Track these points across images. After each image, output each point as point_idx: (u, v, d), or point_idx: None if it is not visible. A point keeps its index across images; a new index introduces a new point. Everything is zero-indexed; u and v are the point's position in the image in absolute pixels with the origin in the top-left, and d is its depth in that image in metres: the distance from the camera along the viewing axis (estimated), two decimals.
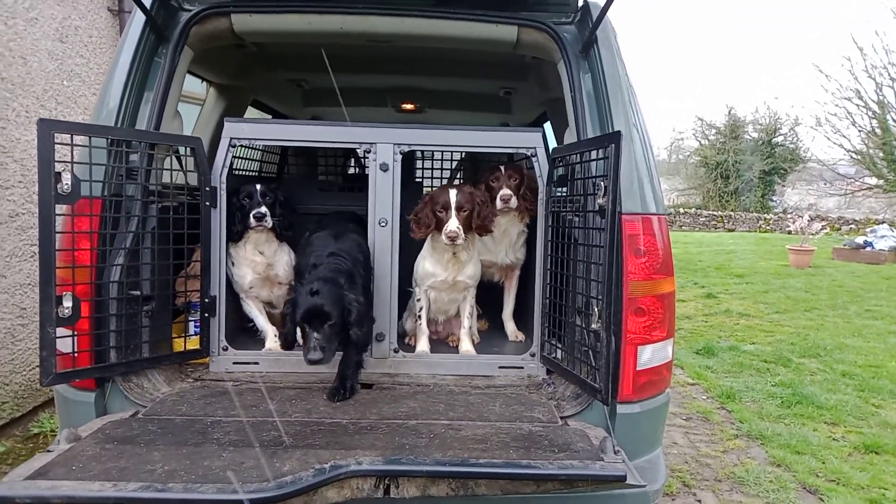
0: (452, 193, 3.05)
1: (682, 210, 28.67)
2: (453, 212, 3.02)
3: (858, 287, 11.57)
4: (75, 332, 2.40)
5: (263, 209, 3.13)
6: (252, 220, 3.11)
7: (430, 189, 4.45)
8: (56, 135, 2.26)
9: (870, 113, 24.90)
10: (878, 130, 24.79)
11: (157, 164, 2.80)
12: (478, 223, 3.10)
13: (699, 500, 3.86)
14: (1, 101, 4.22)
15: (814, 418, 5.07)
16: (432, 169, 4.90)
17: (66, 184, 2.29)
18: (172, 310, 2.97)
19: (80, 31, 5.00)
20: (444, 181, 4.95)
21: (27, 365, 4.51)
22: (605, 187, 2.36)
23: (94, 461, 2.04)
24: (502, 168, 3.40)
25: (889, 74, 24.07)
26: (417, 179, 4.94)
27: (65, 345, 2.38)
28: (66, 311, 2.33)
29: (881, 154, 24.97)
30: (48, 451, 2.12)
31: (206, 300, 2.92)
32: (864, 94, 24.81)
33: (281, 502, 1.88)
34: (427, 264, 3.25)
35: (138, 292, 2.66)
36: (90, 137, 2.47)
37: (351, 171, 5.72)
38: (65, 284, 2.35)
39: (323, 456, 2.08)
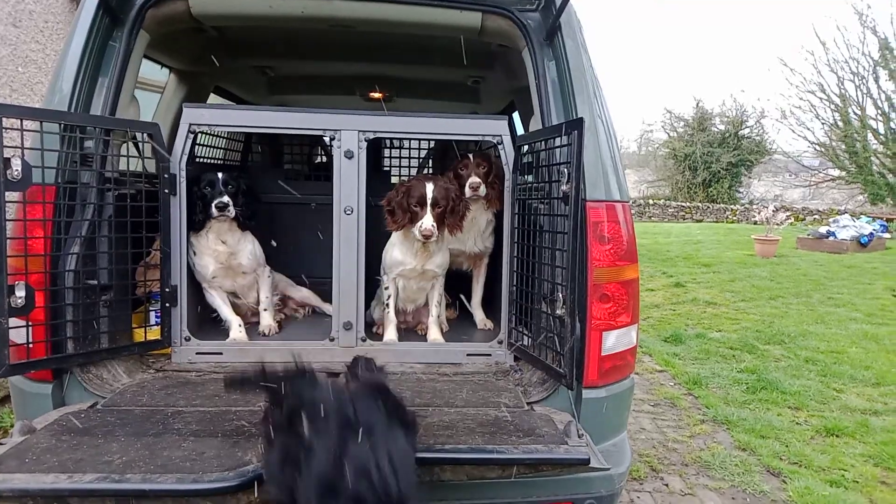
0: (429, 188, 3.00)
1: (651, 201, 29.04)
2: (429, 208, 2.99)
3: (821, 275, 11.84)
4: (29, 323, 2.33)
5: (226, 199, 3.07)
6: (214, 209, 3.05)
7: (397, 178, 4.42)
8: (5, 119, 2.18)
9: (832, 106, 25.57)
10: (840, 123, 25.46)
11: (113, 151, 2.72)
12: (450, 221, 3.08)
13: (666, 485, 3.91)
14: None
15: (778, 403, 5.19)
16: (399, 158, 4.87)
17: (17, 170, 2.21)
18: (133, 299, 2.91)
19: (35, 15, 4.85)
20: (413, 170, 4.92)
21: None
22: (569, 174, 2.37)
23: (48, 453, 1.98)
24: (471, 156, 3.40)
25: (850, 69, 24.74)
26: (385, 168, 4.91)
27: (19, 335, 2.30)
28: (20, 300, 2.26)
29: (843, 146, 25.65)
30: (0, 444, 2.05)
31: (167, 290, 2.86)
32: (827, 88, 25.48)
33: (243, 492, 1.85)
34: (396, 252, 3.23)
35: (95, 282, 2.59)
36: (41, 122, 2.39)
37: (318, 160, 5.65)
38: (18, 273, 2.28)
39: None
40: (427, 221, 2.97)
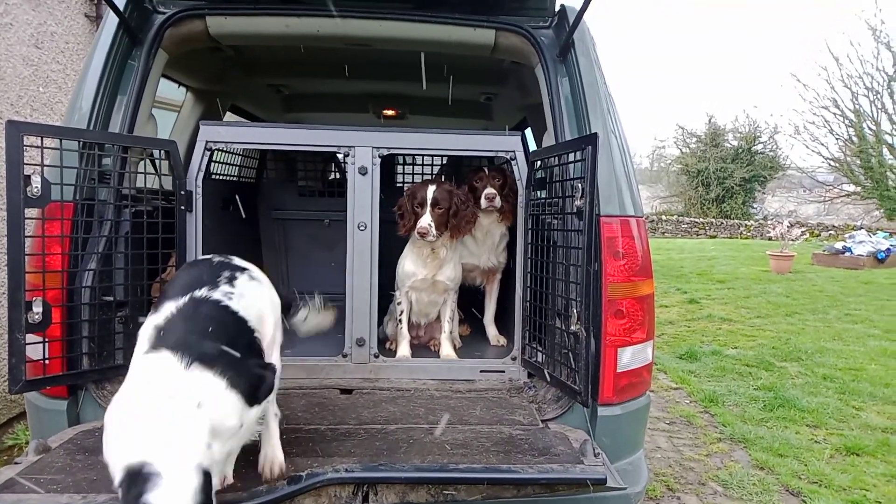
0: (430, 189, 3.07)
1: (664, 217, 28.91)
2: (428, 208, 3.04)
3: (838, 292, 11.69)
4: (46, 339, 2.34)
5: None
6: None
7: None
8: (26, 137, 2.21)
9: (847, 121, 25.44)
10: (854, 139, 25.30)
11: (130, 168, 2.75)
12: (454, 223, 3.09)
13: None
14: None
15: (796, 421, 5.10)
16: (412, 175, 4.89)
17: (36, 187, 2.23)
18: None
19: (57, 36, 4.94)
20: None
21: (0, 376, 4.41)
22: (583, 189, 2.36)
23: (63, 472, 1.98)
24: (486, 169, 3.42)
25: (864, 84, 24.62)
26: (398, 184, 4.93)
27: (35, 351, 2.31)
28: (37, 316, 2.27)
29: (858, 161, 25.46)
30: (16, 462, 2.06)
31: None
32: (841, 103, 25.37)
33: None
34: (407, 263, 3.25)
35: (111, 298, 2.60)
36: (61, 140, 2.42)
37: (331, 176, 5.68)
38: (35, 290, 2.29)
39: (300, 463, 2.05)
40: (424, 220, 3.02)
